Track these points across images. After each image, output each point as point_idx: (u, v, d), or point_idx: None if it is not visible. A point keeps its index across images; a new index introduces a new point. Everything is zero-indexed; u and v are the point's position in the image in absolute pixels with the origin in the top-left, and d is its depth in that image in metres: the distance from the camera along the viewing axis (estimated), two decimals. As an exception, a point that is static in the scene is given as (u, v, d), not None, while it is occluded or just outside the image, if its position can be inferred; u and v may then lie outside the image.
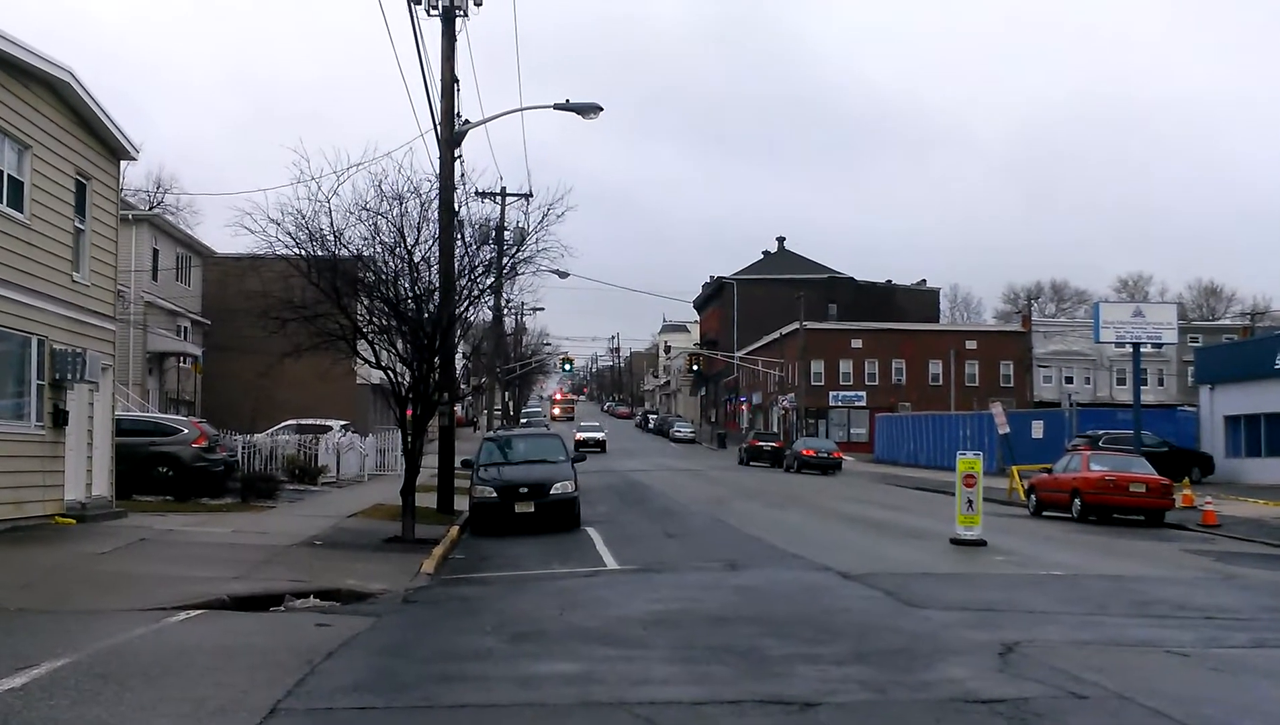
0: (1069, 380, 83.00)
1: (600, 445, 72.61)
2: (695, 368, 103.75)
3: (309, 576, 14.63)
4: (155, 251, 45.68)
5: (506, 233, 26.31)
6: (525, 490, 22.67)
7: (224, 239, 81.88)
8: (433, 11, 24.39)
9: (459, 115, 25.04)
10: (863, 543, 20.95)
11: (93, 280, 20.93)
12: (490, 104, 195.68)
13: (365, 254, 20.70)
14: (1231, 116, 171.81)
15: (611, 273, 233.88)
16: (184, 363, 48.40)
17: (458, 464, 25.42)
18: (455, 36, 24.87)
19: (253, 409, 38.82)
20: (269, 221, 19.52)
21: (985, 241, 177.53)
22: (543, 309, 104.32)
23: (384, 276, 20.71)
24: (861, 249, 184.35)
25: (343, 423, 42.90)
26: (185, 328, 49.28)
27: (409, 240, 20.53)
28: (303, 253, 19.87)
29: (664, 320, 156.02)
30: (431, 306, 21.29)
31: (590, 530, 22.46)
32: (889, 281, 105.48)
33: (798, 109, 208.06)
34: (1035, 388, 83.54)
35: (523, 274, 25.87)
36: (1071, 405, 50.11)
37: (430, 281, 21.84)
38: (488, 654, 9.98)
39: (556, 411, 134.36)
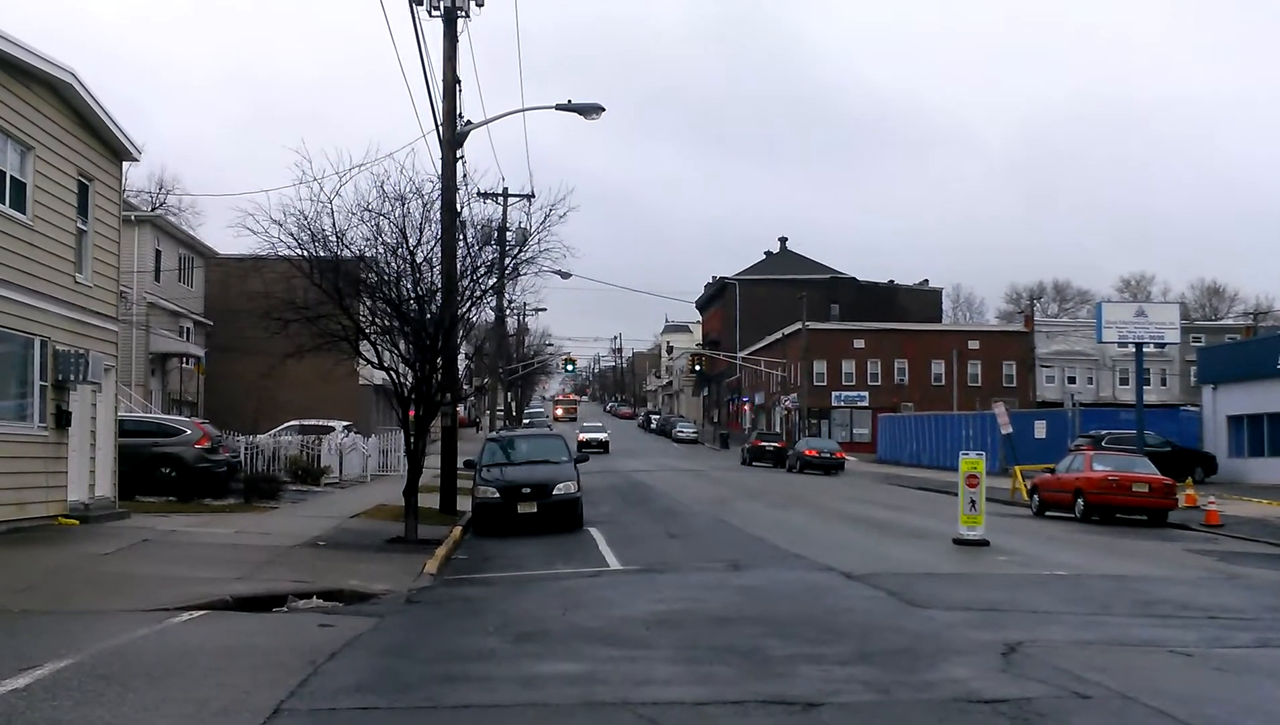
0: (1071, 380, 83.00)
1: (603, 446, 72.71)
2: (698, 368, 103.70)
3: (312, 577, 14.64)
4: (158, 252, 45.69)
5: (509, 233, 26.38)
6: (528, 491, 22.66)
7: (226, 240, 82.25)
8: (434, 12, 24.37)
9: (461, 116, 25.02)
10: (865, 543, 20.94)
11: (95, 281, 20.95)
12: (492, 104, 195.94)
13: (367, 255, 20.70)
14: (1231, 116, 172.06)
15: (613, 273, 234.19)
16: (186, 364, 48.41)
17: (460, 464, 25.39)
18: (457, 37, 24.87)
19: (255, 410, 38.79)
20: (271, 222, 19.56)
21: (986, 242, 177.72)
22: (545, 309, 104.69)
23: (386, 277, 20.72)
24: (862, 249, 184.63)
25: (345, 423, 42.92)
26: (188, 329, 49.29)
27: (411, 241, 20.56)
28: (305, 253, 19.87)
29: (666, 321, 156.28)
30: (434, 307, 21.29)
31: (593, 530, 22.46)
32: (891, 282, 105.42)
33: (798, 109, 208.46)
34: (1038, 388, 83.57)
35: (525, 274, 25.94)
36: (1074, 405, 50.01)
37: (433, 282, 21.83)
38: (491, 654, 9.98)
39: (559, 412, 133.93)
